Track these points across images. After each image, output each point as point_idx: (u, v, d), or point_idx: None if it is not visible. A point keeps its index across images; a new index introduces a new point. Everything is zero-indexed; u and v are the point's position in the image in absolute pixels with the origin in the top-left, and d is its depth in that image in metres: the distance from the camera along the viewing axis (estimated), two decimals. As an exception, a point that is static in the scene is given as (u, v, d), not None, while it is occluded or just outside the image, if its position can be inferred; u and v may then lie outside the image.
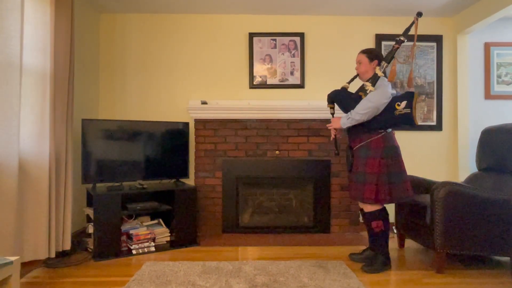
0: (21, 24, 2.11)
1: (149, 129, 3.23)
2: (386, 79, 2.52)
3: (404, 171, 2.50)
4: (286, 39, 3.74)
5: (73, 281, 2.34)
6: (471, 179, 3.01)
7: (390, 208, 3.70)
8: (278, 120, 3.56)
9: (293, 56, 3.74)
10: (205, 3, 3.48)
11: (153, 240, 3.06)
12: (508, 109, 3.80)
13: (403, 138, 3.75)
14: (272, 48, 3.73)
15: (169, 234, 3.17)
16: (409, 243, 3.22)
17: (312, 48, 3.77)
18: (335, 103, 2.69)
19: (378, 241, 2.55)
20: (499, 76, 3.80)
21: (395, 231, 3.40)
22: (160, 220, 3.24)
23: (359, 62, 2.63)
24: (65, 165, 2.61)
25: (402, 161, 2.51)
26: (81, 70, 3.31)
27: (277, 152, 3.56)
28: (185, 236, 3.11)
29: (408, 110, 2.41)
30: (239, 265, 2.60)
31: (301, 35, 3.73)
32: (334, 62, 3.77)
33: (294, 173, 3.56)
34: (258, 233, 3.52)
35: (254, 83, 3.73)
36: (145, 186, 3.14)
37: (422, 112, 3.76)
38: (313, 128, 3.56)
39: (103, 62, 3.72)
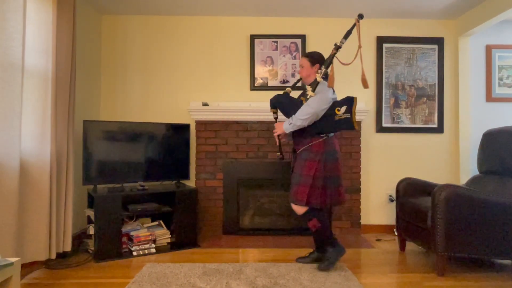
0: (23, 25, 2.11)
1: (150, 130, 3.23)
2: (326, 84, 2.49)
3: (340, 176, 2.51)
4: (287, 41, 3.74)
5: (74, 283, 2.34)
6: (473, 181, 3.00)
7: (391, 210, 3.70)
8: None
9: (294, 58, 3.74)
10: (206, 5, 3.49)
11: (154, 241, 3.05)
12: (510, 112, 3.79)
13: (404, 140, 3.75)
14: (273, 50, 3.74)
15: (170, 236, 3.17)
16: (410, 245, 3.21)
17: (313, 50, 3.77)
18: (277, 108, 2.65)
19: (320, 238, 2.55)
20: (500, 79, 3.80)
21: (396, 233, 3.39)
22: (161, 221, 3.23)
23: (301, 66, 2.61)
24: (66, 166, 2.61)
25: (340, 166, 2.52)
26: (82, 71, 3.32)
27: (278, 154, 3.55)
28: (185, 237, 3.11)
29: (348, 115, 2.42)
30: (239, 267, 2.60)
31: (302, 37, 3.73)
32: (336, 64, 3.74)
33: (295, 175, 3.55)
34: (259, 235, 3.52)
35: (255, 85, 3.73)
36: (146, 187, 3.14)
37: (423, 114, 3.76)
38: (314, 130, 3.56)
39: (104, 64, 3.73)
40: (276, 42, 3.74)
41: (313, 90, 2.43)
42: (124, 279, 2.39)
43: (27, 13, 2.26)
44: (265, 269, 2.55)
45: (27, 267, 2.46)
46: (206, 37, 3.77)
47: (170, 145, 3.32)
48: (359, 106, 3.64)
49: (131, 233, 2.98)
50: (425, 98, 3.76)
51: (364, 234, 3.64)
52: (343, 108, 2.42)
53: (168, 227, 3.20)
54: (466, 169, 3.69)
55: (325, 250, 2.57)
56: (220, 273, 2.48)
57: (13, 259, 1.58)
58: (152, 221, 3.26)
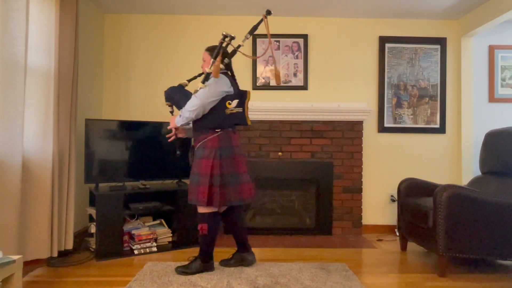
0: (26, 24, 2.12)
1: (152, 129, 3.23)
2: (223, 76, 2.38)
3: (242, 173, 2.39)
4: (290, 41, 3.74)
5: (75, 281, 2.34)
6: (475, 182, 2.99)
7: (393, 210, 3.69)
8: (281, 122, 3.56)
9: (297, 57, 3.74)
10: (209, 4, 3.49)
11: (155, 240, 3.06)
12: (512, 113, 3.78)
13: (406, 140, 3.75)
14: (275, 50, 3.73)
15: (171, 235, 3.17)
16: (412, 246, 3.20)
17: (316, 50, 3.77)
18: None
19: (200, 245, 2.45)
20: (503, 79, 3.78)
21: (397, 233, 3.39)
22: (162, 220, 3.24)
23: (203, 60, 2.54)
24: (68, 164, 2.62)
25: (241, 162, 2.41)
26: (85, 70, 3.33)
27: (279, 153, 3.56)
28: (187, 236, 3.11)
29: (240, 109, 2.38)
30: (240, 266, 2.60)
31: (305, 37, 3.73)
32: (338, 64, 3.77)
33: (297, 174, 3.55)
34: (260, 234, 3.52)
35: (257, 84, 3.73)
36: (147, 186, 3.15)
37: (425, 114, 3.75)
38: (316, 130, 3.56)
39: (107, 62, 3.73)
40: (278, 41, 3.74)
41: (203, 82, 2.34)
42: (125, 278, 2.39)
43: (30, 12, 2.27)
44: (266, 268, 2.55)
45: (29, 265, 2.46)
46: (209, 36, 3.77)
47: (172, 144, 3.31)
48: (361, 106, 3.64)
49: (133, 232, 2.98)
50: (427, 98, 3.75)
51: (365, 234, 3.64)
52: (234, 102, 2.37)
53: (169, 226, 3.21)
54: (468, 170, 3.68)
55: (196, 257, 2.49)
56: (221, 272, 2.48)
57: (15, 257, 1.59)
58: (154, 219, 3.26)
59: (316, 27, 3.78)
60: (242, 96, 2.44)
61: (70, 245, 2.63)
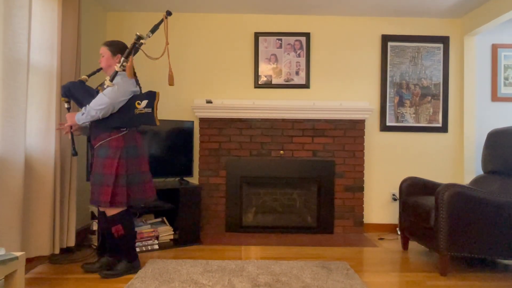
0: (28, 21, 2.13)
1: (154, 127, 3.23)
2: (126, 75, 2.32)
3: (145, 172, 2.41)
4: (292, 39, 3.73)
5: (77, 278, 2.35)
6: (477, 181, 2.99)
7: (394, 209, 3.69)
8: (283, 120, 3.56)
9: (299, 56, 3.73)
10: (210, 3, 3.48)
11: (157, 238, 3.06)
12: (515, 112, 3.77)
13: (408, 139, 3.74)
14: (277, 48, 3.73)
15: (173, 233, 3.18)
16: (413, 245, 3.20)
17: (318, 48, 3.77)
18: (70, 97, 2.43)
19: (121, 247, 2.40)
20: (506, 78, 3.77)
21: (399, 232, 3.39)
22: (164, 218, 3.24)
23: (102, 55, 2.45)
24: (70, 162, 2.63)
25: (145, 161, 2.42)
26: (87, 68, 3.32)
27: (281, 152, 3.56)
28: (188, 234, 3.12)
29: (149, 110, 2.36)
30: (242, 264, 2.60)
31: (307, 35, 3.72)
32: (340, 62, 3.76)
33: (298, 173, 3.55)
34: (261, 232, 3.52)
35: (259, 82, 3.73)
36: (149, 184, 3.15)
37: (428, 113, 3.74)
38: (317, 129, 3.56)
39: (109, 60, 3.73)
40: (281, 39, 3.73)
41: (111, 80, 2.27)
42: (127, 275, 2.40)
43: (32, 10, 2.27)
44: (267, 266, 2.56)
45: (31, 262, 2.47)
46: (211, 34, 3.76)
47: (174, 142, 3.32)
48: (363, 105, 3.63)
49: (135, 229, 2.99)
50: (429, 97, 3.74)
51: (367, 233, 3.64)
52: (144, 102, 2.35)
53: (171, 224, 3.22)
54: (470, 169, 3.67)
55: (119, 260, 2.42)
56: (223, 270, 2.48)
57: (17, 254, 1.60)
58: (156, 217, 3.27)
59: (319, 26, 3.77)
60: (151, 97, 2.41)
61: (72, 242, 2.64)
